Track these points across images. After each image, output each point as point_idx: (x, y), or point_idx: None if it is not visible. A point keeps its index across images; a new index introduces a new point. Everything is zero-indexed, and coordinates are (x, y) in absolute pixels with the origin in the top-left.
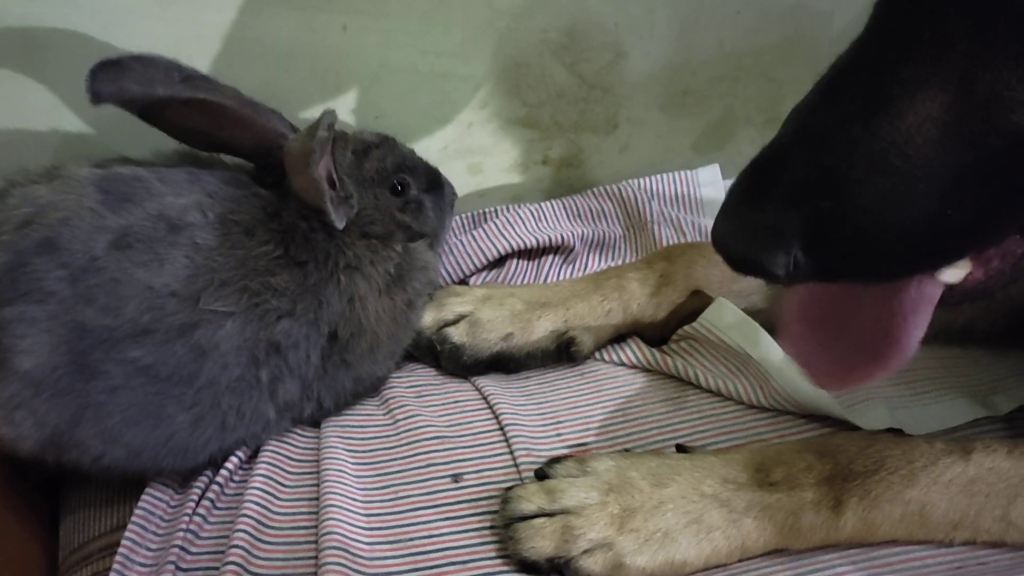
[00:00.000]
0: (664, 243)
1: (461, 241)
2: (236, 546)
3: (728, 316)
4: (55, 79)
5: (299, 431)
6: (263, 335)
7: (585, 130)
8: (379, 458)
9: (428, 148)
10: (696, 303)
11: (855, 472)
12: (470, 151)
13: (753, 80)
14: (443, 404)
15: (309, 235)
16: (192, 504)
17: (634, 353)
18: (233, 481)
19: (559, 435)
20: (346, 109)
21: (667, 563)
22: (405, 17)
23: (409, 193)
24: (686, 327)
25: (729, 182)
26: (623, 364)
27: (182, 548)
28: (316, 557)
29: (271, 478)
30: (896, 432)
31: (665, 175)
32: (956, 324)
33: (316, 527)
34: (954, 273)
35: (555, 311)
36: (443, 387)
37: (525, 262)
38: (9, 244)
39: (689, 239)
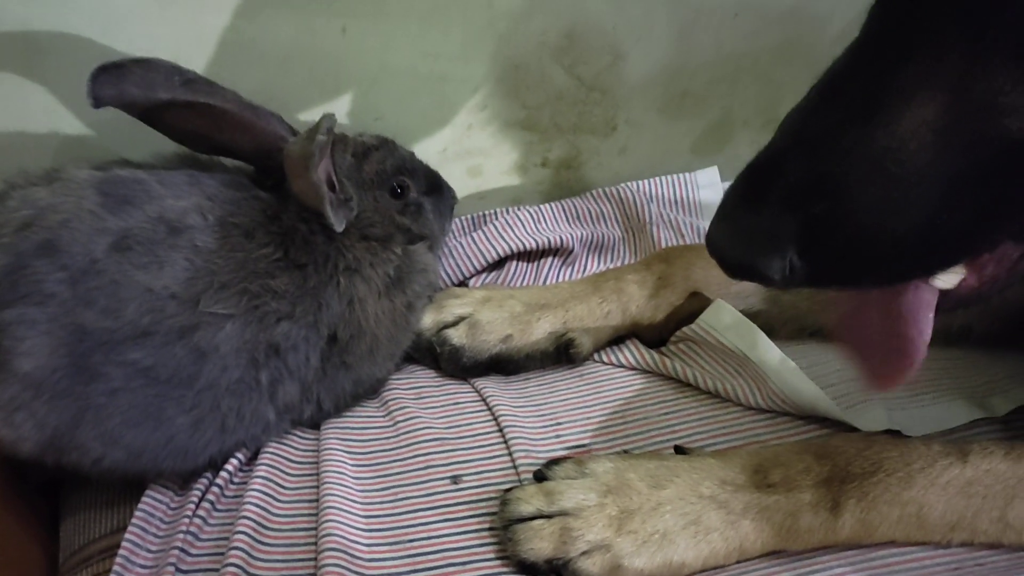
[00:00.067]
0: (662, 245)
1: (460, 243)
2: (236, 547)
3: (726, 318)
4: (55, 81)
5: (299, 433)
6: (263, 337)
7: (584, 132)
8: (378, 459)
9: (427, 150)
10: (694, 305)
11: (853, 474)
12: (469, 153)
13: (751, 82)
14: (442, 406)
15: (309, 238)
16: (192, 506)
17: (633, 355)
18: (233, 483)
19: (558, 436)
20: (345, 112)
21: (665, 564)
22: (404, 19)
23: (409, 195)
24: (684, 329)
25: (728, 184)
26: (622, 366)
27: (182, 550)
28: (315, 558)
29: (271, 480)
30: (894, 434)
31: (664, 177)
32: (953, 326)
33: (315, 528)
34: (948, 279)
35: (554, 313)
36: (442, 389)
37: (524, 264)
38: (9, 246)
39: (688, 241)
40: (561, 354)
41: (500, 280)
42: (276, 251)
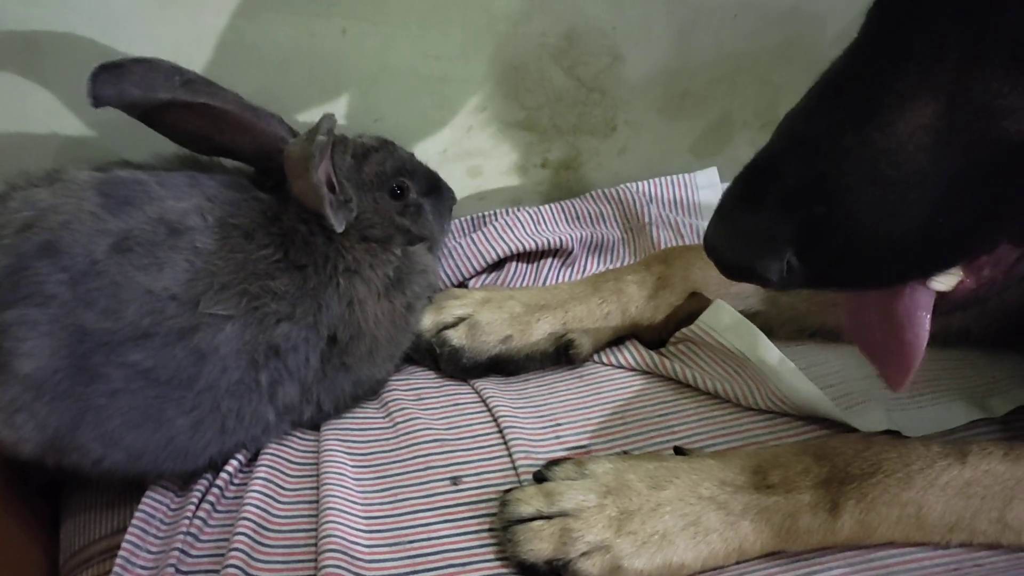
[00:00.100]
0: (662, 246)
1: (460, 244)
2: (236, 549)
3: (725, 318)
4: (55, 82)
5: (299, 434)
6: (262, 338)
7: (583, 133)
8: (378, 461)
9: (427, 151)
10: (694, 305)
11: (852, 475)
12: (469, 154)
13: (751, 83)
14: (442, 407)
15: (308, 239)
16: (192, 507)
17: (632, 355)
18: (233, 484)
19: (557, 437)
20: (345, 113)
21: (665, 565)
22: (404, 21)
23: (408, 197)
24: (684, 329)
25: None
26: (621, 366)
27: (182, 551)
28: (316, 559)
29: (271, 481)
30: (893, 434)
31: (663, 178)
32: (952, 328)
33: (316, 529)
34: (946, 281)
35: (554, 314)
36: (442, 390)
37: (524, 265)
38: (10, 247)
39: (687, 242)
40: (561, 355)
41: (500, 281)
42: (276, 252)
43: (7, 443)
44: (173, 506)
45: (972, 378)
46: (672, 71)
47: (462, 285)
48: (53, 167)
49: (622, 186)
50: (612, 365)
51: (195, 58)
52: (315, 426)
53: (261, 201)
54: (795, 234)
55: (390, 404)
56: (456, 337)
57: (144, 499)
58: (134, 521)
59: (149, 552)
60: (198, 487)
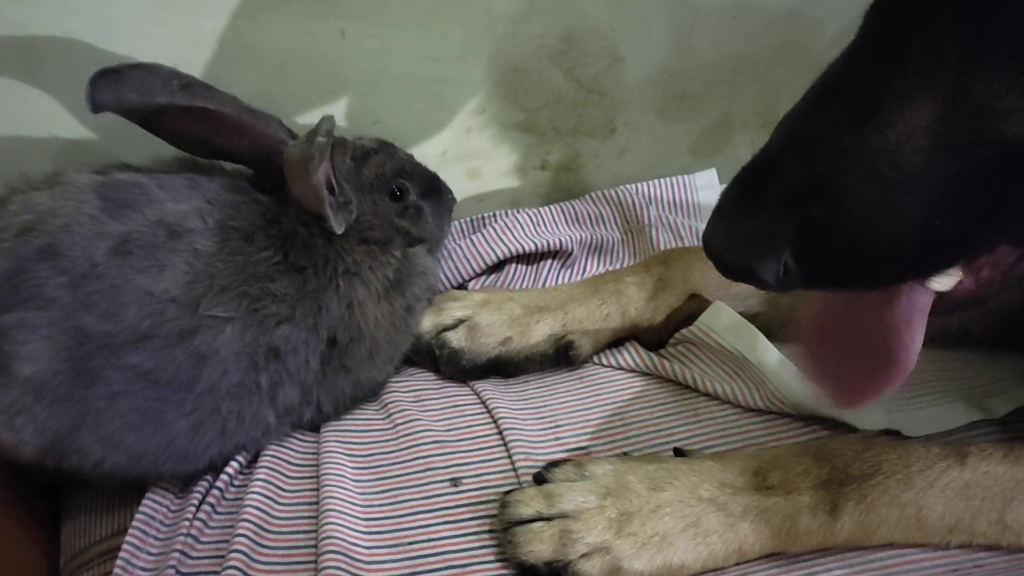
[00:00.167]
0: (661, 247)
1: (460, 246)
2: (236, 550)
3: (725, 319)
4: (54, 86)
5: (299, 436)
6: (263, 340)
7: (583, 134)
8: (378, 462)
9: (427, 153)
10: (693, 307)
11: (852, 476)
12: (468, 156)
13: (749, 84)
14: (442, 408)
15: (308, 241)
16: (192, 509)
17: (632, 357)
18: (233, 486)
19: (557, 439)
20: (344, 115)
21: (664, 567)
22: (403, 23)
23: (408, 198)
24: (683, 331)
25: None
26: (621, 368)
27: (183, 552)
28: (316, 561)
29: (271, 483)
30: (893, 435)
31: (662, 179)
32: (951, 328)
33: (315, 531)
34: (944, 281)
35: (553, 315)
36: (442, 391)
37: (524, 266)
38: (10, 250)
39: (686, 243)
40: (560, 356)
41: (499, 283)
42: (276, 254)
43: (7, 446)
44: (173, 508)
45: (971, 379)
46: (671, 72)
47: (462, 287)
48: (53, 170)
49: (621, 187)
50: (612, 366)
51: (194, 60)
52: (315, 428)
53: (261, 203)
54: (793, 235)
55: (390, 406)
56: (456, 339)
57: (144, 501)
58: (134, 523)
59: (149, 554)
60: (198, 489)
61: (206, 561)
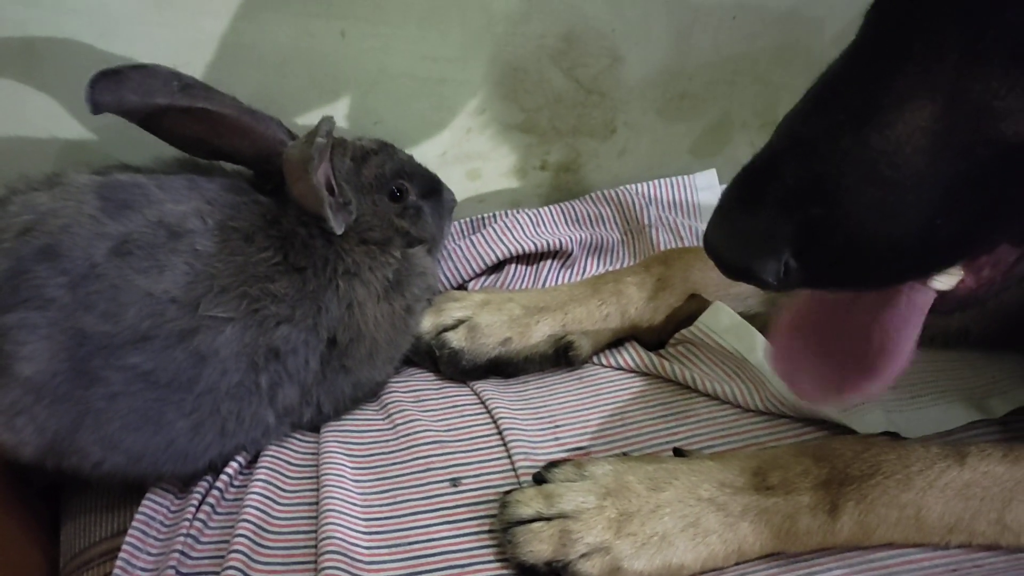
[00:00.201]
0: (661, 247)
1: (460, 246)
2: (236, 551)
3: (725, 320)
4: (54, 86)
5: (298, 436)
6: (262, 341)
7: (583, 135)
8: (378, 463)
9: (426, 154)
10: (693, 307)
11: (851, 476)
12: (468, 156)
13: (749, 84)
14: (442, 409)
15: (308, 241)
16: (192, 509)
17: (632, 357)
18: (233, 486)
19: (557, 439)
20: (344, 115)
21: (664, 567)
22: (403, 23)
23: (407, 199)
24: (683, 331)
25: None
26: (621, 368)
27: (182, 553)
28: (315, 561)
29: (271, 483)
30: (892, 436)
31: (662, 180)
32: (951, 328)
33: (315, 531)
34: (946, 280)
35: (553, 316)
36: (442, 392)
37: (523, 267)
38: (10, 251)
39: (686, 243)
40: (560, 357)
41: (499, 283)
42: (275, 255)
43: (7, 446)
44: (173, 508)
45: (971, 379)
46: (671, 72)
47: (462, 287)
48: (53, 171)
49: (621, 188)
50: (611, 367)
51: (193, 61)
52: (315, 428)
53: (260, 204)
54: (793, 234)
55: (390, 406)
56: (456, 339)
57: (144, 501)
58: (134, 523)
59: (149, 554)
60: (198, 489)
61: (206, 561)
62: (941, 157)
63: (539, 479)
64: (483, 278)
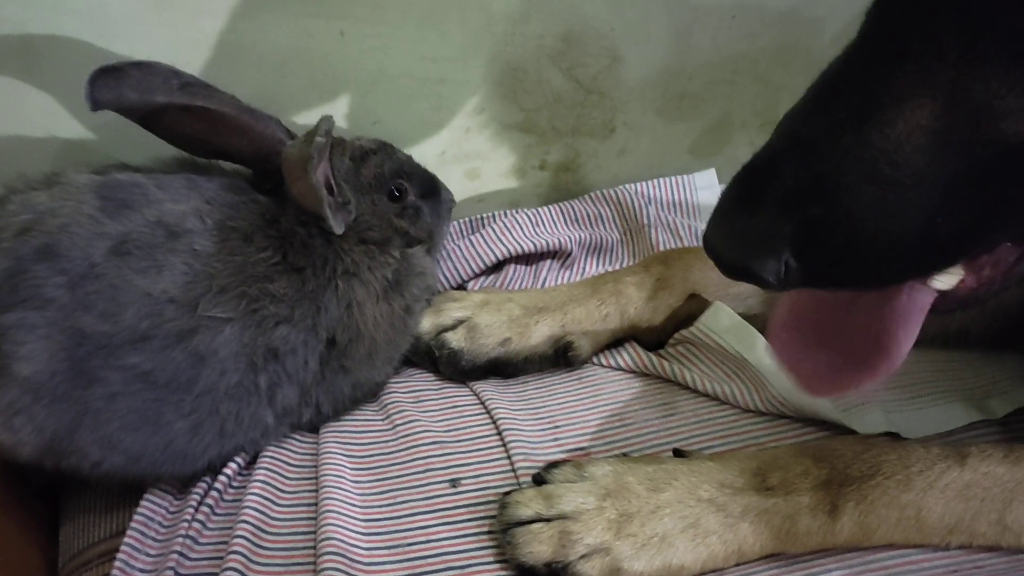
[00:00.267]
0: (661, 247)
1: (459, 246)
2: (235, 551)
3: (724, 320)
4: (54, 86)
5: (298, 437)
6: (261, 341)
7: (582, 135)
8: (377, 463)
9: (426, 154)
10: (693, 307)
11: (851, 477)
12: (467, 156)
13: (749, 84)
14: (441, 409)
15: (307, 241)
16: (191, 510)
17: (631, 357)
18: (232, 487)
19: (557, 440)
20: (343, 115)
21: (664, 568)
22: (402, 23)
23: (407, 199)
24: (683, 331)
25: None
26: (620, 369)
27: (181, 553)
28: (315, 562)
29: (270, 484)
30: (892, 436)
31: (662, 179)
32: (951, 328)
33: (315, 532)
34: (946, 280)
35: (553, 316)
36: (441, 392)
37: (523, 267)
38: (9, 251)
39: (685, 243)
40: (560, 357)
41: (499, 283)
42: (275, 255)
43: (6, 446)
44: (172, 509)
45: (971, 379)
46: (671, 72)
47: (461, 287)
48: (52, 170)
49: (621, 187)
50: (611, 367)
51: (193, 60)
52: (314, 428)
53: (260, 203)
54: (793, 234)
55: (389, 406)
56: (455, 339)
57: (143, 502)
58: (133, 524)
59: (148, 555)
60: (197, 490)
61: (205, 562)
62: (941, 156)
63: (539, 480)
64: (482, 278)
